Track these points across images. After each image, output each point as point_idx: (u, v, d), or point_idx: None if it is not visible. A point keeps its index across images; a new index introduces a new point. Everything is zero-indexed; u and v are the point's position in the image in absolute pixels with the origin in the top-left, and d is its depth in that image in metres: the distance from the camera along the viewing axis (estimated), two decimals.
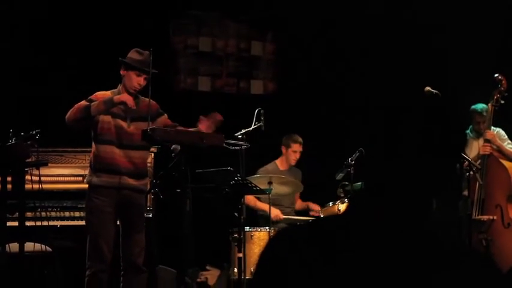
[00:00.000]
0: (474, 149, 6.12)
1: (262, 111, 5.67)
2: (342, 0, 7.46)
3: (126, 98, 4.70)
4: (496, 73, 6.07)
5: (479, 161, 5.92)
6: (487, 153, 5.98)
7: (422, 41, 7.21)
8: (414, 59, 7.07)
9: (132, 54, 4.86)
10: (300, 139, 6.69)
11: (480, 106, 6.21)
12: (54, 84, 6.55)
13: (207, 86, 7.79)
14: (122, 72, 4.86)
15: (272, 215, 6.19)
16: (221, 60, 7.85)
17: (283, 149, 6.74)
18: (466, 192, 5.54)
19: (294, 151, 6.68)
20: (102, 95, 4.80)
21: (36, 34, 6.73)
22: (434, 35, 7.23)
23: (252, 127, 5.59)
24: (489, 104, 6.08)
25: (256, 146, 5.55)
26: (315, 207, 6.71)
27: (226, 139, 4.89)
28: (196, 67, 7.74)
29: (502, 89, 6.02)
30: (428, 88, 5.31)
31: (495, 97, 6.02)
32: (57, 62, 6.69)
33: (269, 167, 6.68)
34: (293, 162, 6.72)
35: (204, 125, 4.73)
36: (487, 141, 6.01)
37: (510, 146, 6.18)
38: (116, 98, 4.69)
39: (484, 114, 6.16)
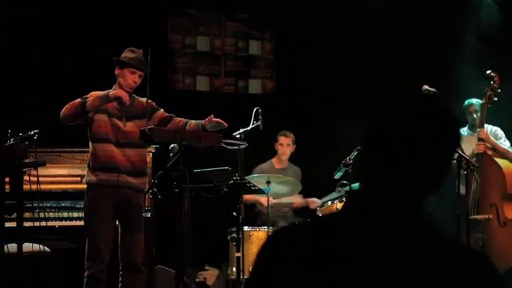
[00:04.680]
0: (472, 144, 6.13)
1: (260, 110, 5.66)
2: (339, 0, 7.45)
3: (121, 93, 4.73)
4: (488, 70, 6.09)
5: (474, 159, 5.92)
6: (481, 151, 6.00)
7: (420, 39, 7.21)
8: (412, 57, 7.08)
9: (126, 53, 4.90)
10: (288, 133, 6.72)
11: (472, 99, 6.24)
12: (52, 84, 6.54)
13: (206, 85, 7.79)
14: (116, 71, 4.89)
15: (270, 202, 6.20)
16: (219, 60, 7.84)
17: (275, 145, 6.78)
18: (463, 191, 5.52)
19: (280, 144, 6.73)
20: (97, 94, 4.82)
21: (34, 34, 6.73)
22: (430, 33, 7.24)
23: (250, 126, 5.58)
24: (482, 102, 6.09)
25: (255, 146, 5.55)
26: (313, 200, 6.69)
27: (224, 138, 4.89)
28: (195, 67, 7.74)
29: (495, 85, 6.02)
30: (426, 86, 5.31)
31: (487, 94, 6.02)
32: (55, 62, 6.68)
33: (264, 165, 6.69)
34: (282, 157, 6.73)
35: (209, 122, 4.70)
36: (480, 140, 6.02)
37: (506, 143, 6.18)
38: (112, 93, 4.73)
39: (475, 103, 6.18)
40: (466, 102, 6.27)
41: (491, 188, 5.96)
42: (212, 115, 4.74)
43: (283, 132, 6.75)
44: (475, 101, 6.20)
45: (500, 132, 6.21)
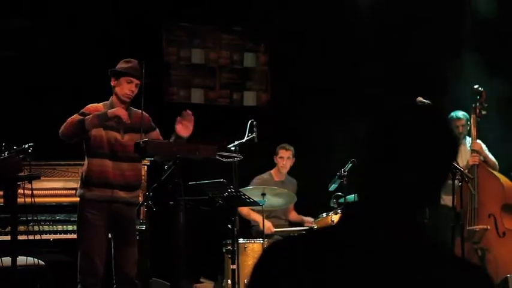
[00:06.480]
0: (458, 156, 6.18)
1: (255, 122, 5.67)
2: (334, 12, 7.48)
3: (120, 112, 4.65)
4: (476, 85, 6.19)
5: (467, 170, 5.96)
6: (476, 163, 6.08)
7: (414, 51, 7.24)
8: (406, 69, 7.11)
9: (121, 64, 4.87)
10: (288, 146, 6.72)
11: (457, 112, 6.34)
12: (47, 97, 6.53)
13: (200, 98, 7.80)
14: (112, 83, 4.85)
15: (265, 230, 6.12)
16: (214, 72, 7.86)
17: (275, 158, 6.77)
18: (452, 202, 5.53)
19: (280, 157, 6.72)
20: (94, 107, 4.79)
21: (29, 46, 6.73)
22: (423, 44, 7.28)
23: (245, 139, 5.58)
24: (472, 116, 6.19)
25: (249, 158, 5.55)
26: (308, 220, 6.72)
27: (219, 151, 4.88)
28: (189, 79, 7.75)
29: (482, 100, 6.13)
30: (420, 98, 5.33)
31: (477, 109, 6.13)
32: (48, 74, 6.67)
33: (264, 176, 6.70)
34: (282, 170, 6.72)
35: (180, 127, 4.66)
36: (474, 151, 6.11)
37: (491, 157, 6.28)
38: (110, 112, 4.65)
39: (461, 117, 6.29)
40: (453, 115, 6.35)
41: (489, 198, 6.01)
42: (178, 118, 4.71)
43: (283, 146, 6.74)
44: (462, 114, 6.33)
45: (483, 146, 6.31)
